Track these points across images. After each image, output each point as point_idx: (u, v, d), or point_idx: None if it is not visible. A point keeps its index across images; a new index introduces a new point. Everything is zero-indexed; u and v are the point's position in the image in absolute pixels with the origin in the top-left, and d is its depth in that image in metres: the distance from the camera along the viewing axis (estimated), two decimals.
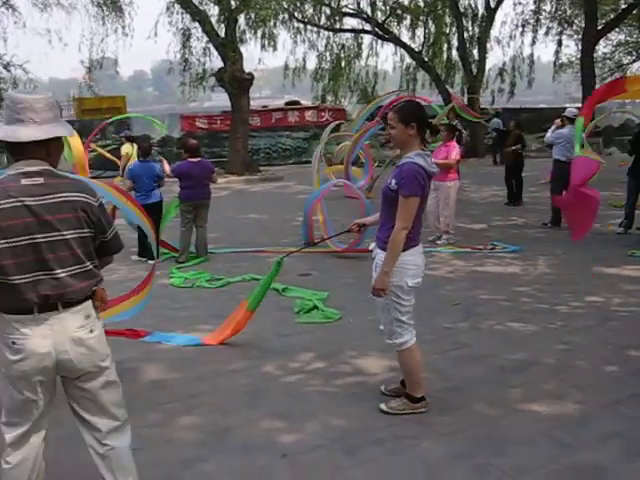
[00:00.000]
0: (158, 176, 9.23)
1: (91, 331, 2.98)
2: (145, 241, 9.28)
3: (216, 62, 21.14)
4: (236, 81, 19.62)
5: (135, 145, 12.66)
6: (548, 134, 11.40)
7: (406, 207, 4.04)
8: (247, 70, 20.37)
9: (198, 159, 9.24)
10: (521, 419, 4.33)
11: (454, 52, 26.19)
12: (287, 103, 26.21)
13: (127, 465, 3.22)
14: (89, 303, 3.01)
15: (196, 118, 23.03)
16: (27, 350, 2.82)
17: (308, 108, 25.18)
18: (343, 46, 26.98)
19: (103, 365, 3.04)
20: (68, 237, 2.88)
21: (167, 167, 9.50)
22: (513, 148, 13.22)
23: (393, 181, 4.12)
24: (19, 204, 2.76)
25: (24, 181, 2.80)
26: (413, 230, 4.17)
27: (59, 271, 2.86)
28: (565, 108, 17.13)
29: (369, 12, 25.78)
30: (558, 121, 11.43)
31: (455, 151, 9.83)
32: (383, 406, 4.46)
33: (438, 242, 9.88)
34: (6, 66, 24.54)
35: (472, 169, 16.74)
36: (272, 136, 23.62)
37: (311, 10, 25.65)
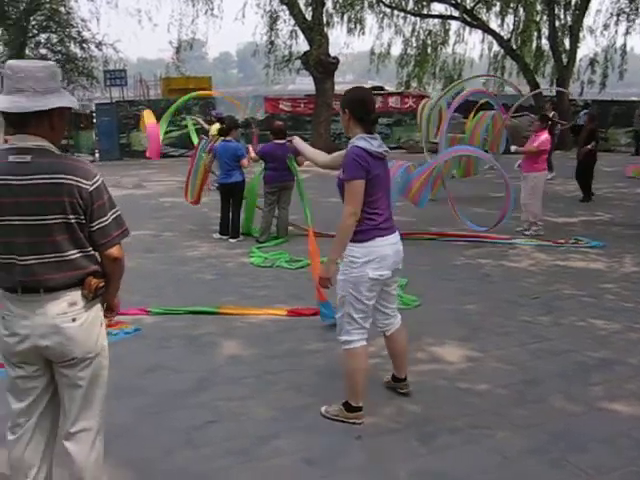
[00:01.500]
0: (238, 157, 9.36)
1: (73, 320, 2.73)
2: (226, 220, 9.49)
3: (302, 45, 21.26)
4: (321, 65, 19.67)
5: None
6: None
7: (349, 191, 3.84)
8: (332, 54, 20.37)
9: (283, 141, 9.30)
10: (601, 417, 4.24)
11: (544, 41, 25.43)
12: (371, 89, 26.10)
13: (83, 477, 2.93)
14: (76, 291, 2.76)
15: (280, 101, 23.18)
16: (11, 327, 2.72)
17: (392, 94, 24.98)
18: (430, 32, 26.57)
19: (85, 357, 2.81)
20: (48, 222, 2.63)
21: (245, 162, 9.47)
22: (589, 147, 12.48)
23: (341, 170, 3.97)
24: (2, 182, 2.58)
25: (11, 158, 2.60)
26: (377, 218, 3.95)
27: (30, 257, 2.66)
28: None
29: None
30: None
31: (539, 140, 9.57)
32: (322, 409, 4.28)
33: (526, 233, 9.76)
34: (98, 45, 25.39)
35: (558, 162, 16.30)
36: None
37: None
